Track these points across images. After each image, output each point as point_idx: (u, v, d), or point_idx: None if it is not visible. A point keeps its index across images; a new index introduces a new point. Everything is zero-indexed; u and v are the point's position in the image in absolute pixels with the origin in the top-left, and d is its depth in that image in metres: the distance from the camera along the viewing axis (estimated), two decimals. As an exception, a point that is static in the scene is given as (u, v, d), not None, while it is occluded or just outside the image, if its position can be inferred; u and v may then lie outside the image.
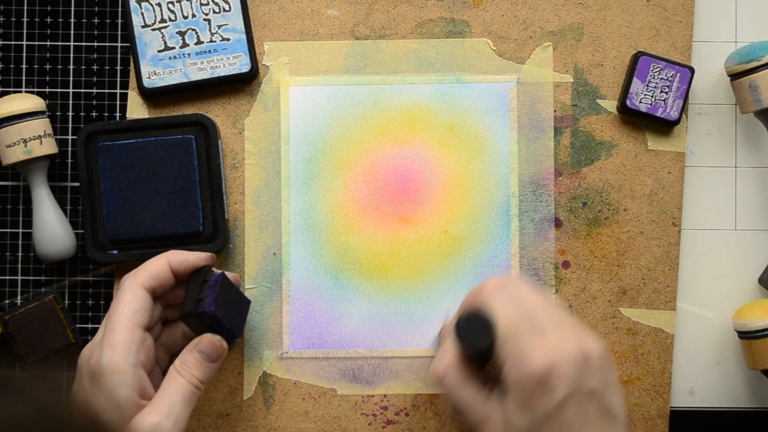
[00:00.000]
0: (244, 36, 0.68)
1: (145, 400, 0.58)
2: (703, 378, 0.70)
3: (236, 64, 0.68)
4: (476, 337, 0.56)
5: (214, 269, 0.63)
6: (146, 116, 0.69)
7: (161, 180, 0.67)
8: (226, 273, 0.63)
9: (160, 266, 0.61)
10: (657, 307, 0.69)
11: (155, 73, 0.68)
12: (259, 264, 0.69)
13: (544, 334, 0.55)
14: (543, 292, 0.58)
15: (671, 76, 0.68)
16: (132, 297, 0.60)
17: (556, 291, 0.69)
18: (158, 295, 0.62)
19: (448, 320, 0.61)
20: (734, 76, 0.68)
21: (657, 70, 0.68)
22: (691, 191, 0.70)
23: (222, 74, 0.68)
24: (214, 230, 0.68)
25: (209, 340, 0.61)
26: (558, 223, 0.70)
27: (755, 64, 0.66)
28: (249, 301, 0.66)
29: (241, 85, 0.69)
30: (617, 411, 0.57)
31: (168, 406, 0.58)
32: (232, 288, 0.63)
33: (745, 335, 0.66)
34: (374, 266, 0.69)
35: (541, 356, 0.54)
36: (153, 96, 0.69)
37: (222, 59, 0.68)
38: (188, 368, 0.60)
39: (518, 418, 0.55)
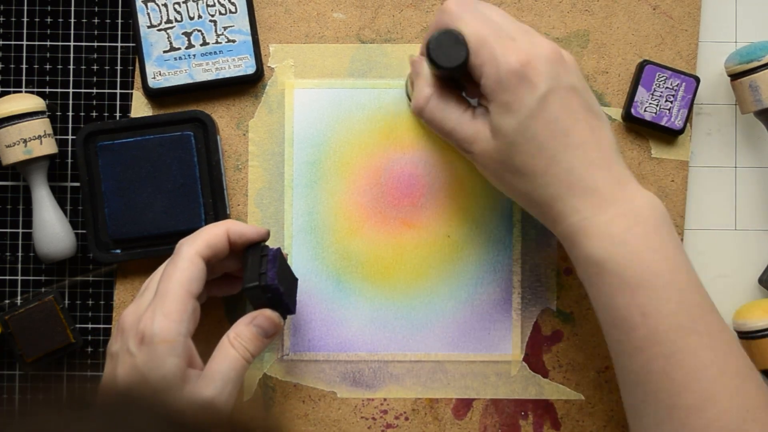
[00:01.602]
0: (249, 38, 0.68)
1: (192, 369, 0.58)
2: (701, 380, 0.71)
3: (241, 65, 0.68)
4: (450, 54, 0.58)
5: (268, 244, 0.63)
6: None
7: (162, 178, 0.67)
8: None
9: (218, 236, 0.60)
10: (657, 315, 0.70)
11: (160, 74, 0.67)
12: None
13: (514, 40, 0.57)
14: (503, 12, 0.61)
15: (676, 86, 0.68)
16: (189, 265, 0.58)
17: (558, 297, 0.70)
18: (211, 264, 0.61)
19: (415, 59, 0.63)
20: (734, 76, 0.68)
21: (662, 79, 0.68)
22: (691, 191, 0.70)
23: (227, 76, 0.68)
24: (216, 227, 0.68)
25: (268, 315, 0.61)
26: (560, 230, 0.70)
27: (755, 64, 0.66)
28: (297, 279, 0.67)
29: (245, 86, 0.69)
30: (599, 110, 0.59)
31: (222, 380, 0.57)
32: (285, 264, 0.64)
33: (745, 335, 0.67)
34: (376, 270, 0.69)
35: (515, 55, 0.56)
36: (158, 96, 0.68)
37: (227, 61, 0.68)
38: (243, 342, 0.59)
39: (505, 121, 0.57)
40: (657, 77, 0.67)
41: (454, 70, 0.58)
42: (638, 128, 0.70)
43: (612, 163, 0.58)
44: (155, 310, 0.57)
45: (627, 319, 0.56)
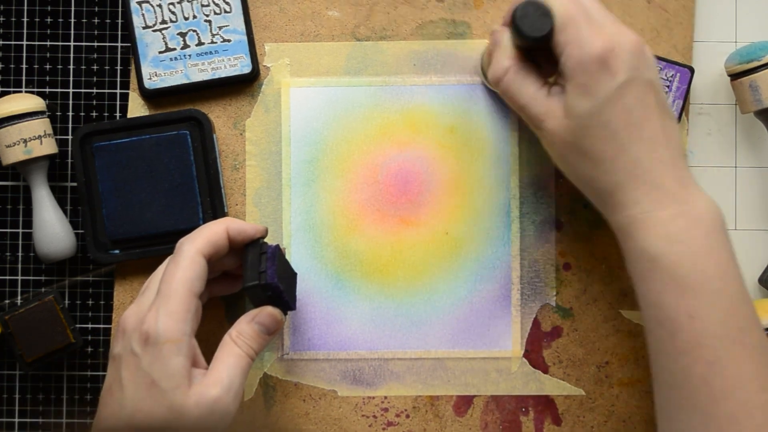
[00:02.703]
0: (245, 37, 0.68)
1: (196, 369, 0.58)
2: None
3: (237, 65, 0.68)
4: (535, 25, 0.58)
5: (267, 241, 0.64)
6: (145, 116, 0.69)
7: (159, 177, 0.67)
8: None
9: (218, 234, 0.61)
10: (658, 309, 0.69)
11: (156, 75, 0.68)
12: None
13: (600, 25, 0.58)
14: None
15: (671, 76, 0.68)
16: (191, 263, 0.58)
17: (557, 293, 0.69)
18: (212, 262, 0.61)
19: (496, 29, 0.63)
20: (734, 76, 0.68)
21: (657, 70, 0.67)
22: (692, 192, 0.70)
23: (223, 75, 0.68)
24: (214, 225, 0.68)
25: (269, 312, 0.61)
26: (559, 225, 0.70)
27: (755, 64, 0.66)
28: (296, 274, 0.67)
29: (242, 86, 0.69)
30: (671, 110, 0.59)
31: (228, 378, 0.57)
32: (284, 260, 0.64)
33: (745, 336, 0.66)
34: (375, 268, 0.69)
35: (600, 40, 0.57)
36: (154, 97, 0.69)
37: (223, 60, 0.68)
38: (245, 339, 0.60)
39: (580, 103, 0.57)
40: (651, 68, 0.67)
41: (538, 41, 0.59)
42: (635, 122, 0.69)
43: (678, 163, 0.58)
44: (159, 310, 0.57)
45: (673, 319, 0.55)
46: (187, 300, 0.57)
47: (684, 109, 0.68)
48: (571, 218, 0.70)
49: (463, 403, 0.69)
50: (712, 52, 0.71)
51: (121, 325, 0.59)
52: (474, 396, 0.69)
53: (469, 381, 0.69)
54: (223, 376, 0.57)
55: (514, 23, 0.59)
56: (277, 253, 0.62)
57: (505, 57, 0.61)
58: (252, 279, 0.61)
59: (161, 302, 0.57)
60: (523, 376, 0.69)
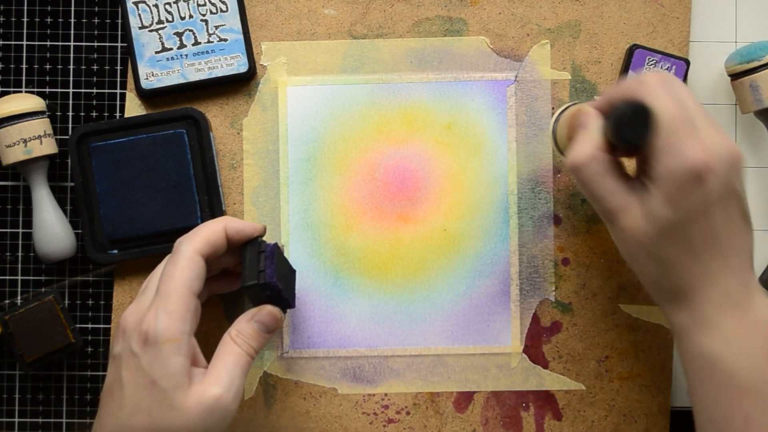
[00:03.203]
0: (241, 36, 0.69)
1: (196, 368, 0.58)
2: (706, 376, 0.70)
3: (234, 64, 0.69)
4: (635, 129, 0.54)
5: (265, 239, 0.64)
6: (142, 116, 0.70)
7: (156, 176, 0.67)
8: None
9: (216, 233, 0.61)
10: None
11: (153, 75, 0.68)
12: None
13: (699, 132, 0.55)
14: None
15: (667, 69, 0.68)
16: (189, 263, 0.58)
17: (556, 288, 0.69)
18: (210, 261, 0.61)
19: (586, 111, 0.59)
20: (735, 76, 0.68)
21: (652, 63, 0.68)
22: (692, 190, 0.70)
23: (220, 75, 0.68)
24: (212, 223, 0.68)
25: (269, 311, 0.61)
26: (557, 221, 0.70)
27: (756, 64, 0.66)
28: (295, 271, 0.67)
29: (238, 85, 0.70)
30: (749, 215, 0.58)
31: (228, 377, 0.57)
32: (283, 259, 0.64)
33: (747, 334, 0.66)
34: (374, 265, 0.69)
35: (699, 151, 0.54)
36: (151, 97, 0.69)
37: (220, 60, 0.68)
38: (245, 338, 0.60)
39: (665, 212, 0.55)
40: (647, 61, 0.67)
41: (634, 146, 0.55)
42: (632, 116, 0.69)
43: (746, 269, 0.57)
44: (158, 310, 0.57)
45: (727, 419, 0.55)
46: (186, 299, 0.57)
47: (680, 101, 0.68)
48: (570, 213, 0.69)
49: (464, 399, 0.69)
50: (711, 52, 0.71)
51: (121, 325, 0.59)
52: (474, 392, 0.69)
53: (469, 377, 0.69)
54: (223, 375, 0.57)
55: (614, 125, 0.55)
56: (276, 251, 0.63)
57: (591, 145, 0.57)
58: (251, 278, 0.61)
59: (160, 302, 0.57)
60: (523, 371, 0.69)
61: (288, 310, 0.68)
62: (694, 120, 0.55)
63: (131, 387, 0.56)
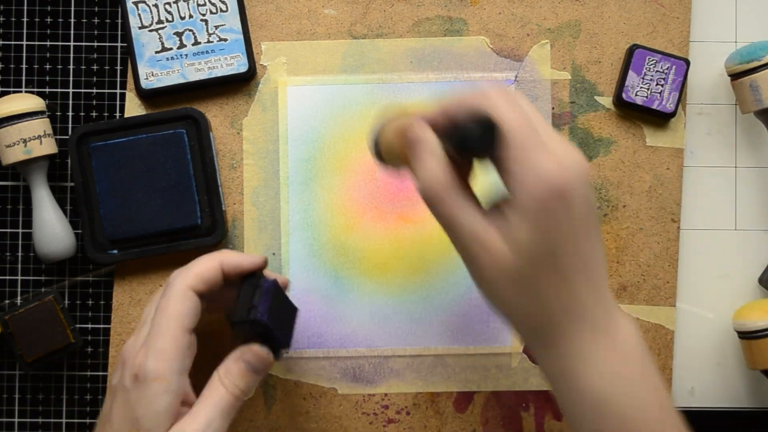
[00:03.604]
0: (241, 36, 0.69)
1: (186, 407, 0.57)
2: (703, 378, 0.70)
3: (234, 64, 0.69)
4: (479, 142, 0.50)
5: (265, 274, 0.62)
6: (142, 116, 0.70)
7: (156, 176, 0.67)
8: (278, 277, 0.62)
9: (211, 269, 0.59)
10: (657, 303, 0.69)
11: (153, 74, 0.68)
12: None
13: (548, 146, 0.51)
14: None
15: (667, 69, 0.68)
16: (182, 299, 0.58)
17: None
18: (205, 296, 0.60)
19: (418, 133, 0.53)
20: (735, 76, 0.68)
21: (652, 62, 0.68)
22: (691, 191, 0.70)
23: (219, 75, 0.68)
24: (212, 223, 0.68)
25: (256, 351, 0.59)
26: (557, 221, 0.69)
27: (756, 64, 0.66)
28: (297, 309, 0.64)
29: (238, 85, 0.70)
30: (599, 226, 0.55)
31: (206, 419, 0.56)
32: (283, 296, 0.62)
33: (745, 335, 0.66)
34: (374, 265, 0.69)
35: (555, 166, 0.50)
36: (151, 97, 0.69)
37: (219, 60, 0.68)
38: (231, 378, 0.58)
39: (531, 237, 0.50)
40: (647, 61, 0.67)
41: (479, 158, 0.52)
42: (631, 115, 0.69)
43: (605, 290, 0.53)
44: (149, 348, 0.56)
45: None
46: (177, 337, 0.57)
47: (680, 101, 0.68)
48: (570, 213, 0.69)
49: (464, 399, 0.69)
50: (711, 52, 0.71)
51: (121, 356, 0.59)
52: (474, 392, 0.69)
53: (469, 377, 0.69)
54: (201, 415, 0.56)
55: (459, 136, 0.50)
56: (273, 288, 0.60)
57: (440, 168, 0.52)
58: (241, 314, 0.59)
59: (151, 340, 0.57)
60: (523, 371, 0.69)
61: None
62: (539, 132, 0.51)
63: (118, 421, 0.56)
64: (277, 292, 0.61)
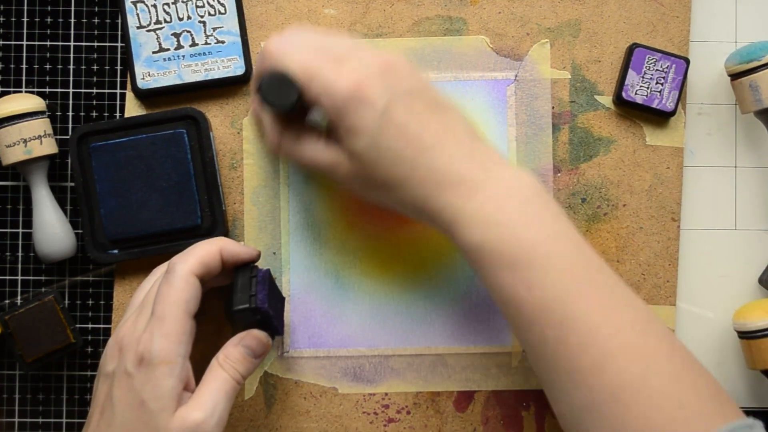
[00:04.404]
0: (239, 39, 0.69)
1: (188, 392, 0.58)
2: (705, 376, 0.70)
3: (230, 66, 0.68)
4: (282, 94, 0.57)
5: (258, 265, 0.64)
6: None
7: (156, 176, 0.67)
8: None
9: (211, 255, 0.60)
10: (657, 302, 0.69)
11: (149, 74, 0.68)
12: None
13: (341, 62, 0.58)
14: (327, 32, 0.61)
15: (666, 68, 0.68)
16: (185, 284, 0.58)
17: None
18: (203, 281, 0.61)
19: (256, 105, 0.64)
20: (734, 76, 0.68)
21: (652, 61, 0.68)
22: (691, 191, 0.70)
23: (216, 77, 0.68)
24: (212, 222, 0.68)
25: (255, 335, 0.61)
26: (557, 220, 0.69)
27: (755, 63, 0.66)
28: (284, 299, 0.67)
29: (239, 85, 0.69)
30: (446, 102, 0.60)
31: (212, 402, 0.57)
32: (274, 285, 0.64)
33: (745, 335, 0.66)
34: (374, 265, 0.69)
35: (346, 79, 0.57)
36: (147, 97, 0.69)
37: (216, 62, 0.68)
38: (232, 362, 0.59)
39: (355, 143, 0.57)
40: (647, 60, 0.67)
41: (291, 109, 0.58)
42: (631, 114, 0.69)
43: (473, 151, 0.58)
44: (154, 331, 0.57)
45: (515, 296, 0.56)
46: (182, 322, 0.57)
47: (680, 99, 0.68)
48: (569, 213, 0.69)
49: (464, 398, 0.69)
50: (711, 52, 0.71)
51: (116, 343, 0.59)
52: (474, 391, 0.69)
53: (469, 376, 0.69)
54: (207, 400, 0.57)
55: (262, 99, 0.58)
56: (268, 277, 0.63)
57: (273, 131, 0.62)
58: (242, 302, 0.61)
59: (156, 324, 0.57)
60: (524, 370, 0.69)
61: (288, 311, 0.68)
62: (330, 56, 0.58)
63: (121, 406, 0.56)
64: (270, 282, 0.63)
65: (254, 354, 0.61)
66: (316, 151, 0.61)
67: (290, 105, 0.58)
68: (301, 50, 0.59)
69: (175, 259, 0.60)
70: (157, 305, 0.58)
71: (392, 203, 0.60)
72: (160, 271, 0.64)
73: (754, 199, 0.70)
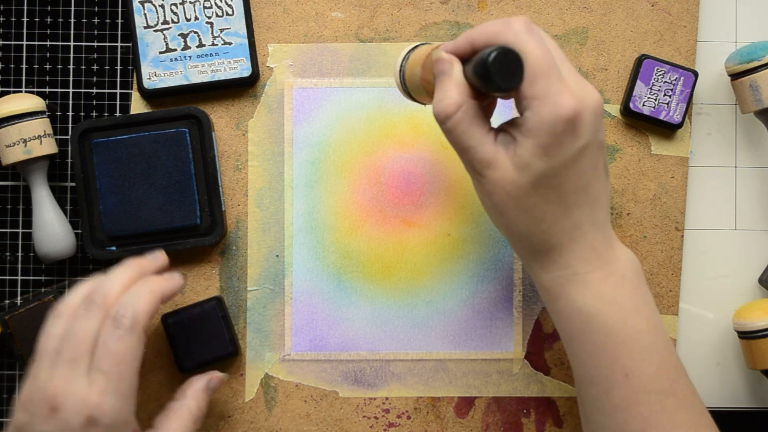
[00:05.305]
0: (246, 40, 0.68)
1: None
2: (703, 378, 0.70)
3: (237, 68, 0.68)
4: (506, 75, 0.52)
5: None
6: (146, 116, 0.69)
7: (157, 174, 0.67)
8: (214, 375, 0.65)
9: (156, 303, 0.58)
10: (660, 311, 0.69)
11: (156, 75, 0.68)
12: (261, 266, 0.69)
13: (566, 79, 0.54)
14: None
15: (675, 80, 0.68)
16: (138, 342, 0.56)
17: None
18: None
19: (444, 58, 0.56)
20: (735, 76, 0.68)
21: (661, 73, 0.68)
22: (692, 191, 0.70)
23: (222, 78, 0.68)
24: (211, 223, 0.68)
25: (216, 376, 0.65)
26: (561, 227, 0.70)
27: (756, 63, 0.66)
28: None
29: (245, 87, 0.69)
30: (608, 170, 0.59)
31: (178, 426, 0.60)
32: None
33: (745, 335, 0.67)
34: (377, 269, 0.69)
35: (570, 100, 0.53)
36: (154, 97, 0.68)
37: (223, 63, 0.68)
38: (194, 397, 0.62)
39: (538, 162, 0.54)
40: (655, 71, 0.67)
41: (503, 92, 0.53)
42: (637, 124, 0.69)
43: (607, 223, 0.58)
44: (109, 393, 0.55)
45: (609, 377, 0.56)
46: (135, 381, 0.56)
47: (687, 112, 0.68)
48: (573, 220, 0.70)
49: (465, 404, 0.69)
50: (712, 53, 0.71)
51: (45, 400, 0.55)
52: (475, 397, 0.69)
53: (470, 382, 0.69)
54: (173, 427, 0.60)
55: (486, 70, 0.52)
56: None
57: (458, 92, 0.55)
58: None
59: (112, 385, 0.55)
60: (525, 377, 0.69)
61: (290, 314, 0.69)
62: (560, 67, 0.54)
63: None
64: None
65: (212, 390, 0.64)
66: (484, 141, 0.55)
67: (509, 87, 0.52)
68: (541, 46, 0.54)
69: (122, 309, 0.56)
70: (111, 365, 0.55)
71: (515, 230, 0.57)
72: (84, 290, 0.59)
73: (754, 199, 0.71)
